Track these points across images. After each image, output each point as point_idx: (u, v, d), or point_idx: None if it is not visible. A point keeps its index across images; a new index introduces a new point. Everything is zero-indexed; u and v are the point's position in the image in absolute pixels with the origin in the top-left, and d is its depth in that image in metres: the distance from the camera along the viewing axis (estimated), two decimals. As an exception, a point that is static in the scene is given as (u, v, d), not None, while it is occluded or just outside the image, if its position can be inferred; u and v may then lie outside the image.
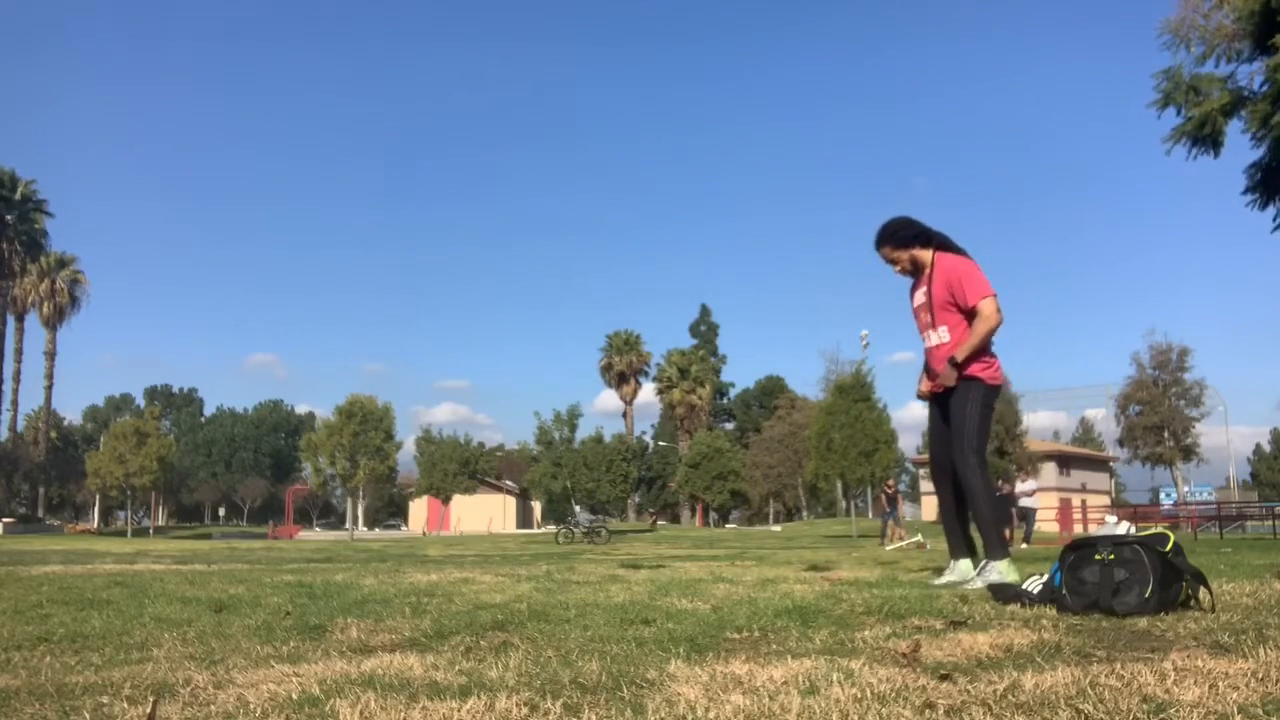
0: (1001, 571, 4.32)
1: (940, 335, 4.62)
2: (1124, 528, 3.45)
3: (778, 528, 52.81)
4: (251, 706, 1.83)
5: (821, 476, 38.47)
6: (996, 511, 4.59)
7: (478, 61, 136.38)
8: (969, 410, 4.48)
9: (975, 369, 4.50)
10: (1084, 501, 43.87)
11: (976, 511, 4.49)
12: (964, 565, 4.60)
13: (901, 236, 4.70)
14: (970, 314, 4.48)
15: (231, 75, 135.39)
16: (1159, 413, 57.46)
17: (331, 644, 2.76)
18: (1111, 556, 3.12)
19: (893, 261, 4.74)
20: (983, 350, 4.50)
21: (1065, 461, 65.29)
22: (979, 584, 4.19)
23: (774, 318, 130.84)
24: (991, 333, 4.47)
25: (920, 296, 4.71)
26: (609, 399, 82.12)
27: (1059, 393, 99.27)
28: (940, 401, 4.65)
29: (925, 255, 4.66)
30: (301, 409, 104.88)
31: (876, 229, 4.77)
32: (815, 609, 3.43)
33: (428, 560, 10.72)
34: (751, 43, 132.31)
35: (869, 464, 34.15)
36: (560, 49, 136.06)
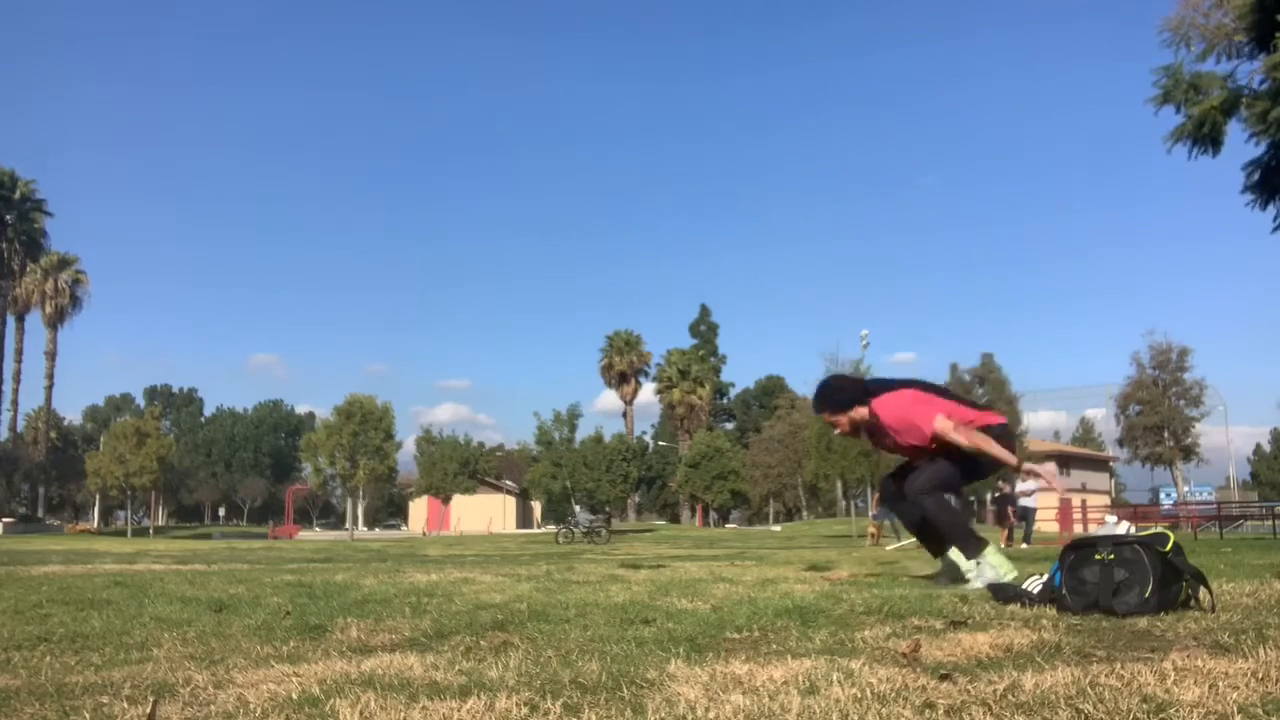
0: (993, 562, 4.31)
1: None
2: (1124, 528, 3.45)
3: (778, 528, 52.81)
4: (251, 706, 1.83)
5: (821, 476, 38.44)
6: (956, 517, 4.56)
7: (479, 60, 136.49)
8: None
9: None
10: (1084, 501, 43.85)
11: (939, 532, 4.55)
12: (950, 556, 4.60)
13: (838, 400, 4.74)
14: (934, 438, 4.46)
15: (232, 75, 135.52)
16: (1159, 413, 57.45)
17: (331, 644, 2.77)
18: (1111, 556, 3.12)
19: (833, 425, 4.78)
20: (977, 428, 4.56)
21: (1065, 461, 65.28)
22: (978, 584, 4.18)
23: (774, 318, 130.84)
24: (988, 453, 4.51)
25: (889, 443, 4.71)
26: (609, 399, 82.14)
27: (1059, 393, 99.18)
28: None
29: (863, 411, 4.67)
30: (301, 409, 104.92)
31: (814, 393, 4.88)
32: (815, 609, 3.43)
33: (428, 560, 10.73)
34: (754, 41, 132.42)
35: (869, 464, 34.10)
36: (561, 48, 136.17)
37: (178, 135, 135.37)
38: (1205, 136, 15.88)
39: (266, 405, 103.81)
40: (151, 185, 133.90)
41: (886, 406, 4.60)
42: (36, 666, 2.39)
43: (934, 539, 4.66)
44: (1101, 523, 4.26)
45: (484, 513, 64.14)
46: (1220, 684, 1.83)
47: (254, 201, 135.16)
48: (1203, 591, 3.18)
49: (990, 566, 4.31)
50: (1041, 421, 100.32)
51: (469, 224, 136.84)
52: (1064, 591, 3.20)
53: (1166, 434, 57.46)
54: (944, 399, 4.62)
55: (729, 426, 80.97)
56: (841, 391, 4.76)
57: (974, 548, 4.41)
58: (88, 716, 1.78)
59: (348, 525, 56.42)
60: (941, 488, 4.50)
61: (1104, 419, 69.57)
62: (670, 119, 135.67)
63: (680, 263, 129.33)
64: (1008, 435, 4.64)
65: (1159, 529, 3.49)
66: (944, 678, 1.96)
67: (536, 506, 67.73)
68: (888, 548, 17.72)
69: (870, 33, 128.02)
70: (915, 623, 3.01)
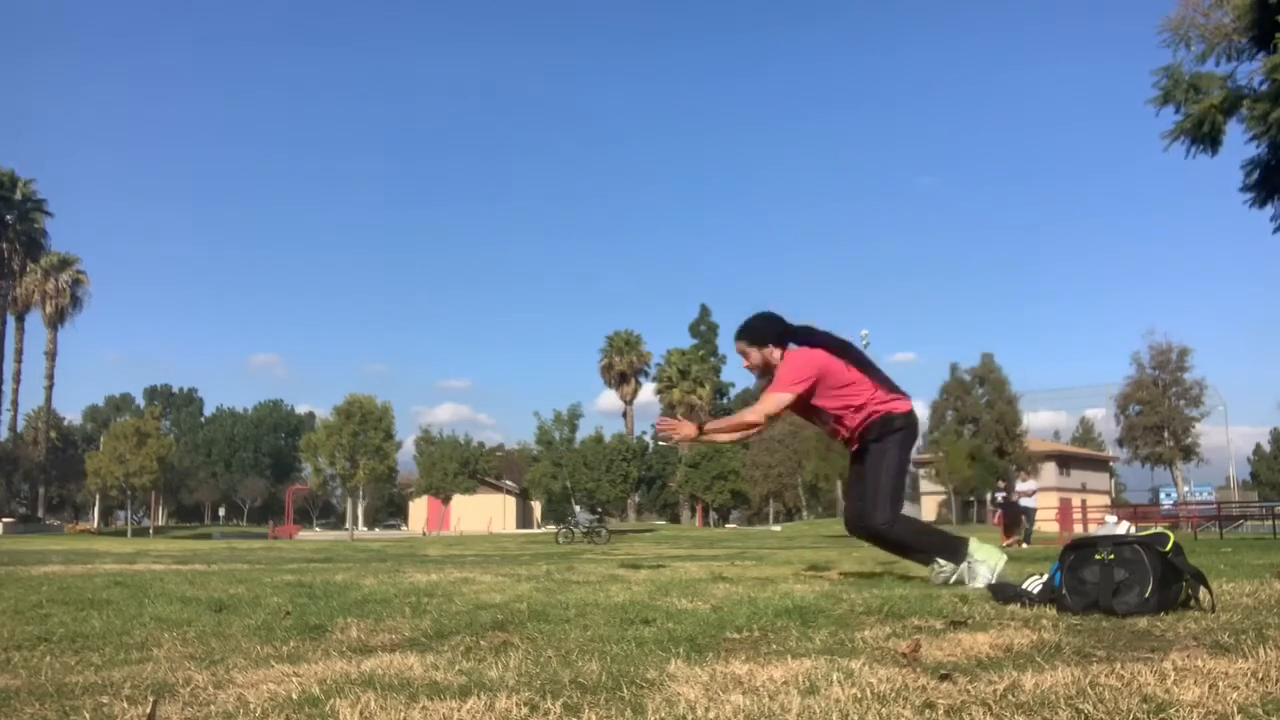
0: (979, 557, 4.24)
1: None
2: (1124, 528, 3.45)
3: (778, 528, 52.79)
4: (251, 706, 1.83)
5: (821, 476, 38.49)
6: (926, 532, 4.48)
7: (479, 61, 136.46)
8: (885, 461, 4.38)
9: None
10: (1084, 501, 43.85)
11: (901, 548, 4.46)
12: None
13: (758, 334, 4.55)
14: (830, 392, 4.36)
15: (232, 74, 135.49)
16: (1159, 413, 57.49)
17: (331, 644, 2.77)
18: (1111, 556, 3.12)
19: (743, 355, 4.60)
20: (737, 430, 4.58)
21: (1065, 461, 65.34)
22: (979, 584, 4.15)
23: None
24: (745, 425, 4.48)
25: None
26: (609, 399, 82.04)
27: (1059, 393, 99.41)
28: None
29: (776, 355, 4.52)
30: (302, 409, 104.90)
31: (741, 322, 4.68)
32: (815, 609, 3.43)
33: (428, 560, 10.73)
34: (753, 40, 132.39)
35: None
36: (560, 48, 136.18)
37: (178, 135, 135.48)
38: (1204, 135, 15.89)
39: (266, 405, 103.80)
40: (152, 185, 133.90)
41: (789, 354, 4.46)
42: (36, 666, 2.39)
43: (916, 556, 4.54)
44: (1101, 523, 4.26)
45: (484, 513, 64.13)
46: (1220, 684, 1.83)
47: (254, 201, 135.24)
48: (1203, 591, 3.18)
49: (979, 562, 4.23)
50: (1041, 421, 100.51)
51: (469, 224, 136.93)
52: (1064, 591, 3.20)
53: (1166, 434, 57.51)
54: (851, 369, 4.38)
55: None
56: (768, 326, 4.54)
57: (956, 551, 4.31)
58: (88, 716, 1.78)
59: (348, 525, 56.42)
60: (896, 508, 4.37)
61: (1104, 419, 69.67)
62: (670, 119, 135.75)
63: (680, 263, 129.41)
64: (912, 428, 4.43)
65: (1159, 529, 3.50)
66: (944, 678, 1.96)
67: (536, 506, 67.76)
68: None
69: (870, 32, 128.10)
70: (915, 623, 3.01)
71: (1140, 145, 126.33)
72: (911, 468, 20.82)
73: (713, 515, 65.44)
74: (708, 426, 4.48)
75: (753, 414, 4.42)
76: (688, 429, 4.45)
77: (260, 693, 1.94)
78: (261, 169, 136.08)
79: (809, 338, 4.50)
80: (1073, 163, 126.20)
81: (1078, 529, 27.67)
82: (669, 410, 65.35)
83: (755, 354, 4.54)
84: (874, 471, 4.35)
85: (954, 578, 4.25)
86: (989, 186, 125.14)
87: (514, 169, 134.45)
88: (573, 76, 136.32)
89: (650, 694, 1.89)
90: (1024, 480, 22.39)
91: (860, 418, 4.35)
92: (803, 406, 4.43)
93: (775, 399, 4.34)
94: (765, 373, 4.59)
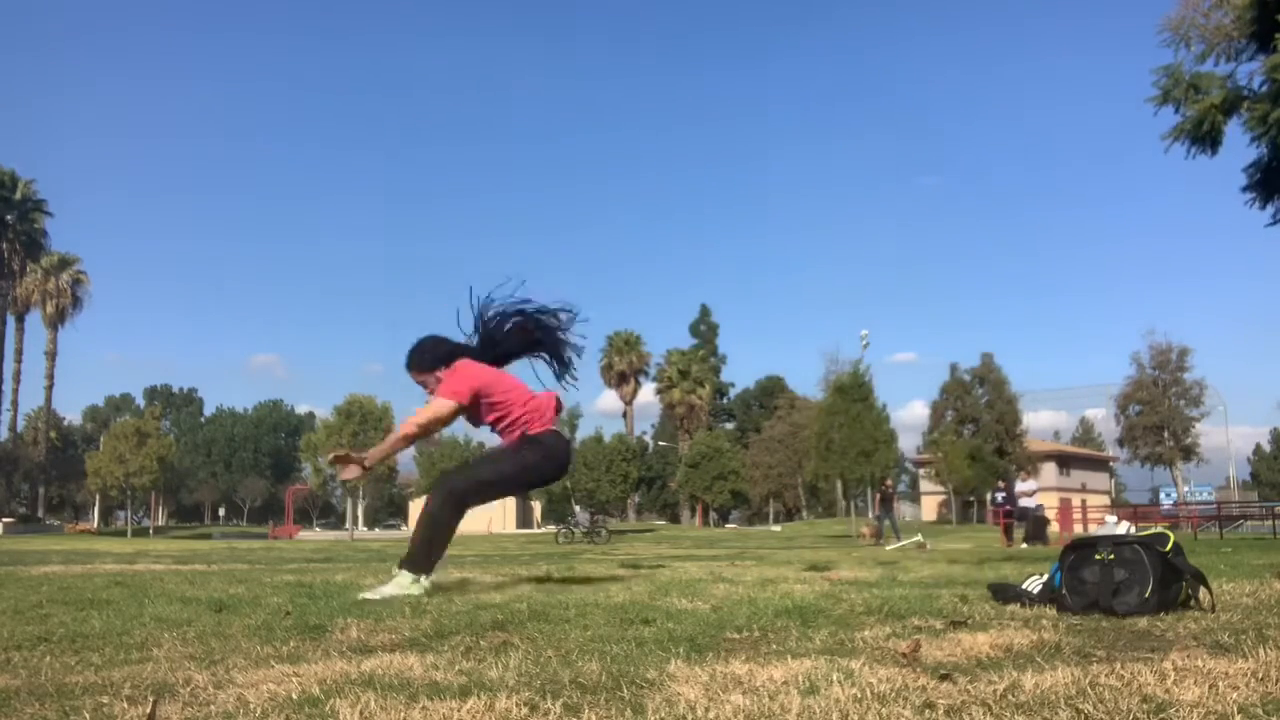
0: (402, 585, 4.16)
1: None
2: (1124, 528, 3.45)
3: (778, 528, 52.81)
4: (251, 706, 1.83)
5: (821, 476, 38.51)
6: (434, 533, 4.37)
7: (479, 58, 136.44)
8: (500, 463, 4.49)
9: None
10: (1084, 501, 43.87)
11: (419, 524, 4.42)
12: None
13: (425, 360, 4.61)
14: (476, 409, 4.45)
15: (232, 73, 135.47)
16: (1159, 413, 57.53)
17: (331, 644, 2.77)
18: (1111, 556, 3.12)
19: (421, 384, 4.64)
20: (398, 446, 4.62)
21: (1065, 461, 65.36)
22: (377, 595, 4.07)
23: (774, 317, 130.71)
24: (405, 440, 4.53)
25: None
26: (609, 399, 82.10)
27: (1059, 393, 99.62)
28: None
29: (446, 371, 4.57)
30: (301, 409, 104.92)
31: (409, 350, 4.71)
32: (815, 609, 3.43)
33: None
34: (753, 38, 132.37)
35: (869, 464, 34.16)
36: (560, 45, 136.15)
37: (178, 134, 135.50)
38: (1204, 135, 15.87)
39: (266, 405, 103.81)
40: (152, 184, 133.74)
41: (452, 371, 4.49)
42: (36, 666, 2.39)
43: (413, 546, 4.43)
44: (1101, 523, 4.25)
45: (484, 513, 64.14)
46: (1220, 684, 1.83)
47: (255, 201, 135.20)
48: (1203, 591, 3.18)
49: (399, 585, 4.15)
50: (1041, 421, 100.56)
51: (469, 223, 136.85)
52: (1064, 591, 3.21)
53: (1166, 434, 57.56)
54: (507, 388, 4.48)
55: (729, 426, 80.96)
56: (434, 350, 4.61)
57: (418, 566, 4.25)
58: (88, 716, 1.78)
59: (348, 525, 56.43)
60: (468, 499, 4.40)
61: (1104, 419, 69.73)
62: (670, 117, 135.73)
63: (680, 263, 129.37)
64: (546, 447, 4.47)
65: (1159, 529, 3.50)
66: (944, 678, 1.96)
67: (536, 506, 67.76)
68: (888, 548, 17.72)
69: (870, 29, 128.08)
70: (915, 623, 3.01)
71: (1140, 145, 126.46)
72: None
73: (713, 515, 65.41)
74: (370, 456, 4.53)
75: (409, 426, 4.47)
76: (352, 471, 4.52)
77: (260, 693, 1.94)
78: (261, 168, 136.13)
79: (475, 355, 4.62)
80: (1073, 163, 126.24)
81: (1078, 529, 27.67)
82: (669, 410, 65.47)
83: (430, 379, 4.59)
84: (490, 458, 4.54)
85: (388, 591, 4.16)
86: (989, 186, 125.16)
87: (514, 167, 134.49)
88: (571, 74, 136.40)
89: (650, 694, 1.89)
90: (1024, 480, 22.38)
91: (516, 434, 4.46)
92: (469, 415, 4.53)
93: (433, 408, 4.41)
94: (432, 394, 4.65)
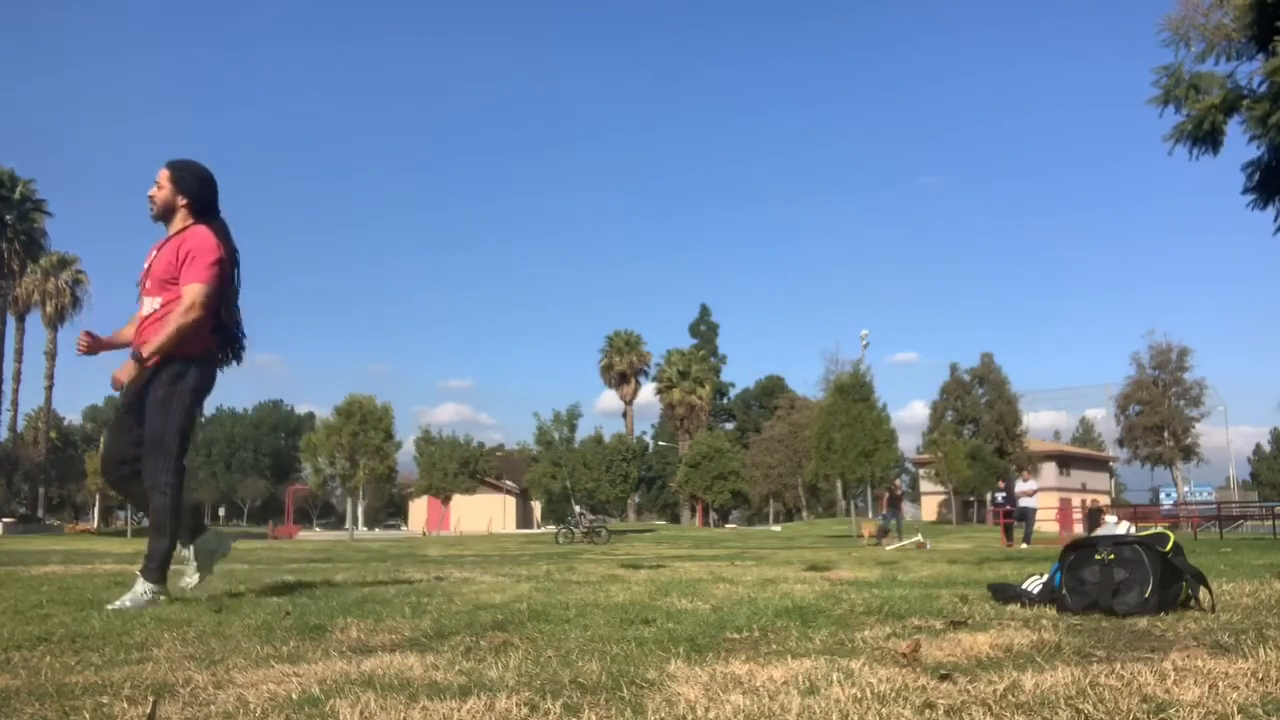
0: (141, 593, 3.96)
1: (148, 307, 4.16)
2: (1124, 528, 3.45)
3: (778, 528, 52.80)
4: (251, 706, 1.83)
5: (821, 476, 38.49)
6: (168, 539, 4.10)
7: (479, 58, 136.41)
8: (170, 411, 4.01)
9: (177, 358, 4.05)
10: (1084, 501, 43.85)
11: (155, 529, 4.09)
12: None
13: (186, 180, 4.22)
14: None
15: (232, 73, 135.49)
16: (1159, 413, 57.54)
17: (331, 644, 2.77)
18: (1111, 556, 3.12)
19: (158, 186, 4.21)
20: (184, 343, 4.05)
21: (1065, 461, 65.32)
22: (127, 603, 3.86)
23: (774, 318, 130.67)
24: (190, 327, 4.02)
25: (152, 255, 4.22)
26: (610, 399, 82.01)
27: (1059, 393, 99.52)
28: (135, 390, 4.09)
29: (182, 216, 4.20)
30: (301, 409, 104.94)
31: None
32: (815, 609, 3.43)
33: (428, 560, 10.73)
34: (754, 38, 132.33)
35: (869, 464, 34.16)
36: (559, 46, 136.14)
37: (178, 134, 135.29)
38: (1205, 136, 15.88)
39: (266, 405, 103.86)
40: (151, 184, 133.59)
41: (199, 233, 4.16)
42: (36, 666, 2.39)
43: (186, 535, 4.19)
44: (1102, 523, 4.26)
45: (484, 513, 64.14)
46: (1220, 684, 1.83)
47: (254, 201, 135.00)
48: (1203, 591, 3.18)
49: (141, 593, 3.96)
50: (1041, 421, 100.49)
51: (469, 223, 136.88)
52: (1064, 591, 3.21)
53: (1166, 434, 57.56)
54: (227, 286, 4.18)
55: (729, 426, 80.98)
56: (200, 183, 4.28)
57: (154, 571, 4.02)
58: (88, 716, 1.78)
59: (348, 525, 56.41)
60: (178, 465, 4.04)
61: (1104, 419, 69.76)
62: (671, 117, 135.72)
63: (680, 263, 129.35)
64: (206, 376, 4.11)
65: (1159, 529, 3.50)
66: (944, 678, 1.96)
67: (536, 507, 67.77)
68: (888, 548, 17.72)
69: (869, 30, 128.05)
70: (915, 623, 3.01)
71: (1140, 145, 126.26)
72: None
73: (713, 515, 65.41)
74: (148, 353, 4.02)
75: (186, 314, 4.00)
76: (128, 372, 4.06)
77: (260, 693, 1.94)
78: (262, 168, 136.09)
79: (225, 235, 4.25)
80: (1073, 162, 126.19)
81: (1077, 529, 27.66)
82: (669, 410, 65.42)
83: (172, 195, 4.19)
84: (162, 403, 4.02)
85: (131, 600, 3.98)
86: (990, 186, 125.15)
87: (515, 168, 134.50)
88: (571, 75, 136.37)
89: (650, 694, 1.89)
90: (1024, 480, 22.37)
91: (200, 341, 4.09)
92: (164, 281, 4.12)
93: (199, 289, 4.03)
94: (162, 216, 4.24)
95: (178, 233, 4.20)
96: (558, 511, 45.90)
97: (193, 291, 4.03)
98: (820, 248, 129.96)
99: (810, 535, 35.39)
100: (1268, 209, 16.46)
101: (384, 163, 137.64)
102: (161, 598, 4.01)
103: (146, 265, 4.24)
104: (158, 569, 4.05)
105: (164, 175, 4.25)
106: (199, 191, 4.27)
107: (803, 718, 1.69)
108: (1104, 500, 59.34)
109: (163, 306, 4.11)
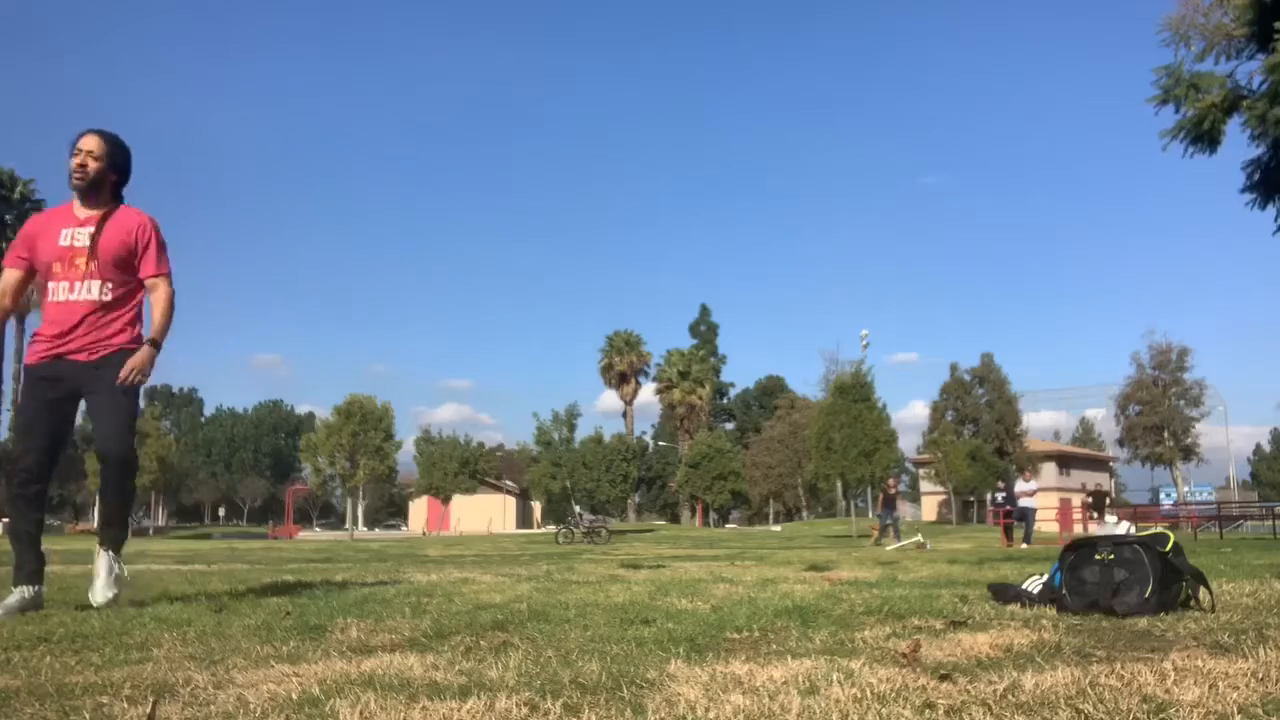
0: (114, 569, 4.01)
1: (96, 291, 3.91)
2: (1124, 528, 3.45)
3: (778, 528, 52.79)
4: (251, 706, 1.83)
5: (821, 476, 38.47)
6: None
7: (479, 58, 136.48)
8: (131, 395, 3.93)
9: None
10: (1084, 486, 43.82)
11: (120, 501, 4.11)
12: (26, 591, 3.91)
13: (118, 156, 4.02)
14: (139, 284, 4.00)
15: (232, 73, 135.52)
16: (1159, 413, 57.52)
17: (331, 644, 2.76)
18: (1111, 556, 3.12)
19: (88, 151, 3.92)
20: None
21: (1065, 461, 65.31)
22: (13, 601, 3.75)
23: (774, 317, 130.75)
24: (170, 315, 4.04)
25: (80, 236, 3.91)
26: (610, 399, 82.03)
27: (1059, 393, 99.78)
28: (59, 383, 3.92)
29: (107, 193, 4.01)
30: (301, 409, 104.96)
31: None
32: (815, 609, 3.43)
33: (428, 560, 10.72)
34: (754, 38, 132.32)
35: (869, 464, 34.16)
36: (560, 45, 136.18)
37: (178, 134, 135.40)
38: (1204, 135, 15.87)
39: (266, 405, 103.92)
40: (151, 184, 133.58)
41: (142, 217, 4.10)
42: (36, 666, 2.39)
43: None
44: (1101, 523, 4.25)
45: (484, 513, 64.15)
46: (1220, 684, 1.83)
47: (255, 201, 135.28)
48: (1203, 591, 3.18)
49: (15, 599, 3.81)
50: (1041, 421, 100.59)
51: (470, 223, 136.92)
52: (1064, 591, 3.21)
53: (1166, 434, 57.53)
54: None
55: (729, 426, 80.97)
56: (128, 160, 4.13)
57: (15, 576, 3.89)
58: (88, 716, 1.78)
59: (348, 525, 56.39)
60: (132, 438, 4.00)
61: (1104, 419, 69.80)
62: (671, 117, 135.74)
63: (680, 262, 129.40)
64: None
65: (1159, 529, 3.50)
66: (944, 678, 1.96)
67: (536, 507, 67.74)
68: (888, 548, 17.71)
69: (870, 30, 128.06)
70: (915, 623, 3.01)
71: (1140, 144, 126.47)
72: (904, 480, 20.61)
73: (713, 515, 65.38)
74: (157, 337, 4.02)
75: (171, 302, 4.03)
76: (142, 358, 3.97)
77: (260, 693, 1.94)
78: (262, 168, 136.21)
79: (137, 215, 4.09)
80: (1073, 162, 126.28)
81: (1077, 529, 27.66)
82: (669, 410, 65.40)
83: (104, 169, 3.95)
84: (122, 393, 3.93)
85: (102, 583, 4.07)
86: (991, 186, 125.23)
87: (515, 168, 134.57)
88: (572, 74, 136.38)
89: (650, 694, 1.89)
90: (1024, 480, 22.34)
91: (135, 331, 4.04)
92: (124, 270, 3.99)
93: (169, 289, 4.03)
94: (93, 188, 3.97)
95: (109, 212, 3.99)
96: (558, 512, 45.84)
97: (169, 289, 4.03)
98: (820, 248, 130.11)
99: (810, 535, 35.37)
100: (1268, 208, 16.45)
101: (384, 163, 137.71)
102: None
103: (62, 243, 3.93)
104: (17, 573, 4.00)
105: (97, 145, 3.97)
106: (127, 169, 4.08)
107: (803, 718, 1.69)
108: (1105, 485, 59.33)
109: (115, 292, 3.93)
